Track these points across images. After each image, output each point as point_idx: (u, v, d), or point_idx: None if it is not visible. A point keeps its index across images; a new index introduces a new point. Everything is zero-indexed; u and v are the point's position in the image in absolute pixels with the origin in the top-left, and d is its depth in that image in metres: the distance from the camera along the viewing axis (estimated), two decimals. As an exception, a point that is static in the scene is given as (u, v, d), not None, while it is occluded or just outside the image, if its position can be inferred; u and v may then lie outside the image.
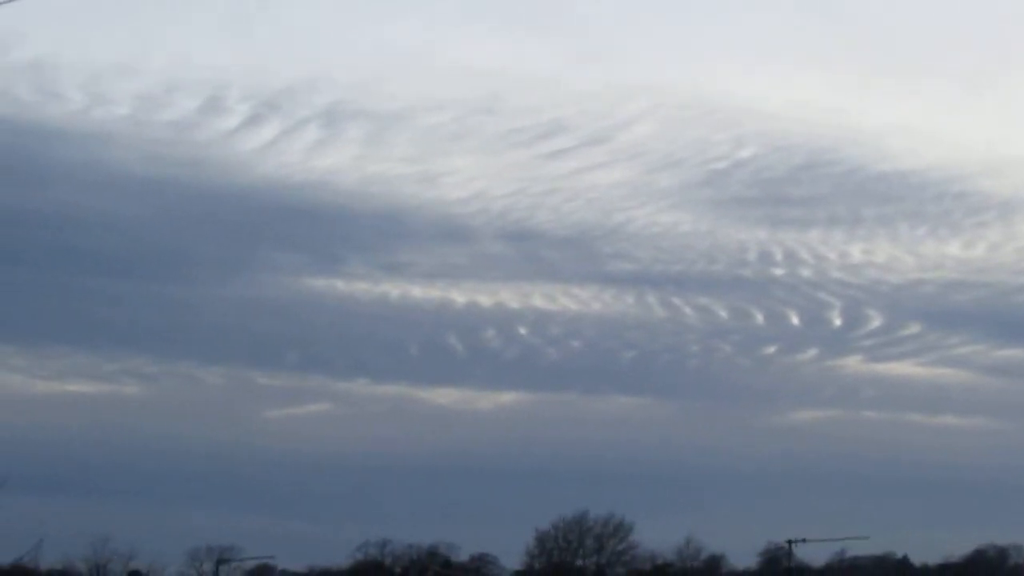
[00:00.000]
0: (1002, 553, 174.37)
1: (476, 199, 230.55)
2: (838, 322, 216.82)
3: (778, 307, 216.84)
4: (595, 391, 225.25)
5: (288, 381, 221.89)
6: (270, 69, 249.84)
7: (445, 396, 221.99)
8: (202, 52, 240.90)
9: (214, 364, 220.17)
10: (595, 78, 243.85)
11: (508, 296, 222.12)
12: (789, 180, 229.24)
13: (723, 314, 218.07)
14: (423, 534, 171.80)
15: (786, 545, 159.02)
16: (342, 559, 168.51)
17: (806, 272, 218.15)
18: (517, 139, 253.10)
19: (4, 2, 31.52)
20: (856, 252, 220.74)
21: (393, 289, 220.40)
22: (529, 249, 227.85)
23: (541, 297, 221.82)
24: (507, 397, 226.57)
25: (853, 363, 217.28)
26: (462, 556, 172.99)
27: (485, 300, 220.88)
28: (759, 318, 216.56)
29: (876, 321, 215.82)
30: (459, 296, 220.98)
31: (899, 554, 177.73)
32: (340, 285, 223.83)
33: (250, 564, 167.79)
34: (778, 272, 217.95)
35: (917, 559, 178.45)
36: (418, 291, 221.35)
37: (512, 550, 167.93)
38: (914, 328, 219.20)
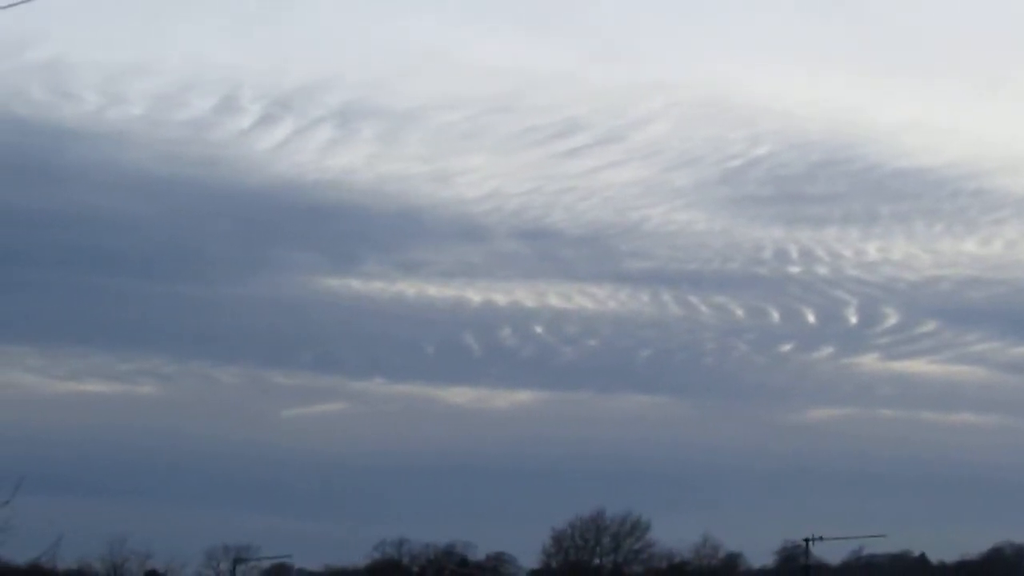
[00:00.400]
0: (1019, 551, 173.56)
1: (491, 198, 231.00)
2: (854, 320, 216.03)
3: (794, 305, 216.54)
4: (611, 389, 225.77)
5: (304, 380, 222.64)
6: (284, 69, 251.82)
7: (461, 395, 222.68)
8: (216, 52, 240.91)
9: (230, 363, 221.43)
10: (610, 77, 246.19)
11: (524, 295, 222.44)
12: (805, 178, 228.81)
13: (739, 312, 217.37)
14: (440, 533, 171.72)
15: (803, 543, 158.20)
16: (359, 558, 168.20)
17: (822, 270, 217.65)
18: (532, 138, 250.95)
19: (19, 3, 31.23)
20: (872, 250, 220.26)
21: (408, 288, 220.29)
22: (545, 248, 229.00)
23: (557, 296, 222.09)
24: (523, 396, 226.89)
25: (869, 361, 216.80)
26: (479, 555, 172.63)
27: (501, 299, 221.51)
28: (775, 316, 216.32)
29: (892, 319, 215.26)
30: (475, 295, 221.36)
31: (916, 552, 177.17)
32: (355, 284, 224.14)
33: (267, 563, 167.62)
34: (794, 270, 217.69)
35: (934, 557, 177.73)
36: (433, 290, 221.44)
37: (529, 549, 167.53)
38: (930, 326, 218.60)
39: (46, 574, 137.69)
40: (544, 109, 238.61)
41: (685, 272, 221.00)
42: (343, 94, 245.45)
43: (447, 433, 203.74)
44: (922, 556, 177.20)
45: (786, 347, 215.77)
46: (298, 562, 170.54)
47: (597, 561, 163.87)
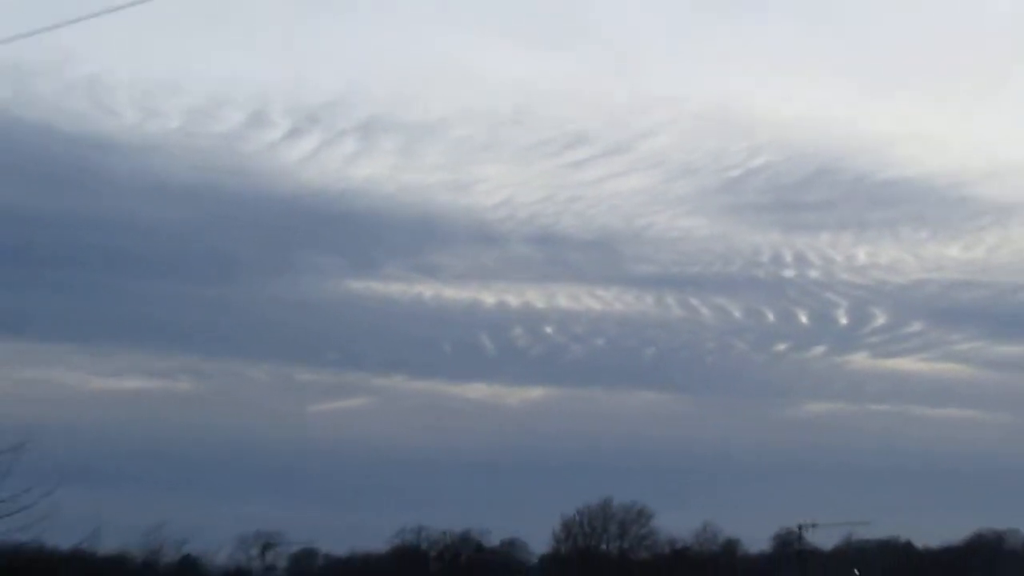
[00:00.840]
0: (999, 537, 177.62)
1: (505, 205, 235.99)
2: (845, 320, 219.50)
3: (789, 306, 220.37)
4: (617, 386, 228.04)
5: (330, 377, 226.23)
6: (310, 85, 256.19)
7: (476, 391, 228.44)
8: (247, 69, 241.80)
9: (261, 361, 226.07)
10: (617, 91, 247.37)
11: (535, 296, 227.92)
12: (800, 187, 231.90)
13: (737, 313, 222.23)
14: (456, 520, 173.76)
15: (797, 530, 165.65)
16: (381, 544, 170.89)
17: (815, 273, 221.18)
18: (544, 149, 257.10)
19: (63, 24, 33.30)
20: (862, 254, 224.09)
21: (427, 290, 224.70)
22: (555, 252, 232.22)
23: (566, 297, 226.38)
24: (534, 392, 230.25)
25: (859, 359, 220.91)
26: (493, 541, 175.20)
27: (513, 300, 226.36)
28: (771, 317, 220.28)
29: (881, 319, 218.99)
30: (489, 297, 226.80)
31: (903, 538, 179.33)
32: (377, 287, 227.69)
33: (295, 549, 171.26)
34: (789, 274, 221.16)
35: (920, 543, 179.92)
36: (450, 292, 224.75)
37: (540, 535, 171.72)
38: (917, 326, 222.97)
39: (87, 559, 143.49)
40: (555, 122, 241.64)
41: (687, 275, 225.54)
42: (367, 108, 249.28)
43: (463, 427, 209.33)
44: (908, 542, 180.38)
45: (782, 346, 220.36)
46: (324, 547, 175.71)
47: (604, 547, 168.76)
